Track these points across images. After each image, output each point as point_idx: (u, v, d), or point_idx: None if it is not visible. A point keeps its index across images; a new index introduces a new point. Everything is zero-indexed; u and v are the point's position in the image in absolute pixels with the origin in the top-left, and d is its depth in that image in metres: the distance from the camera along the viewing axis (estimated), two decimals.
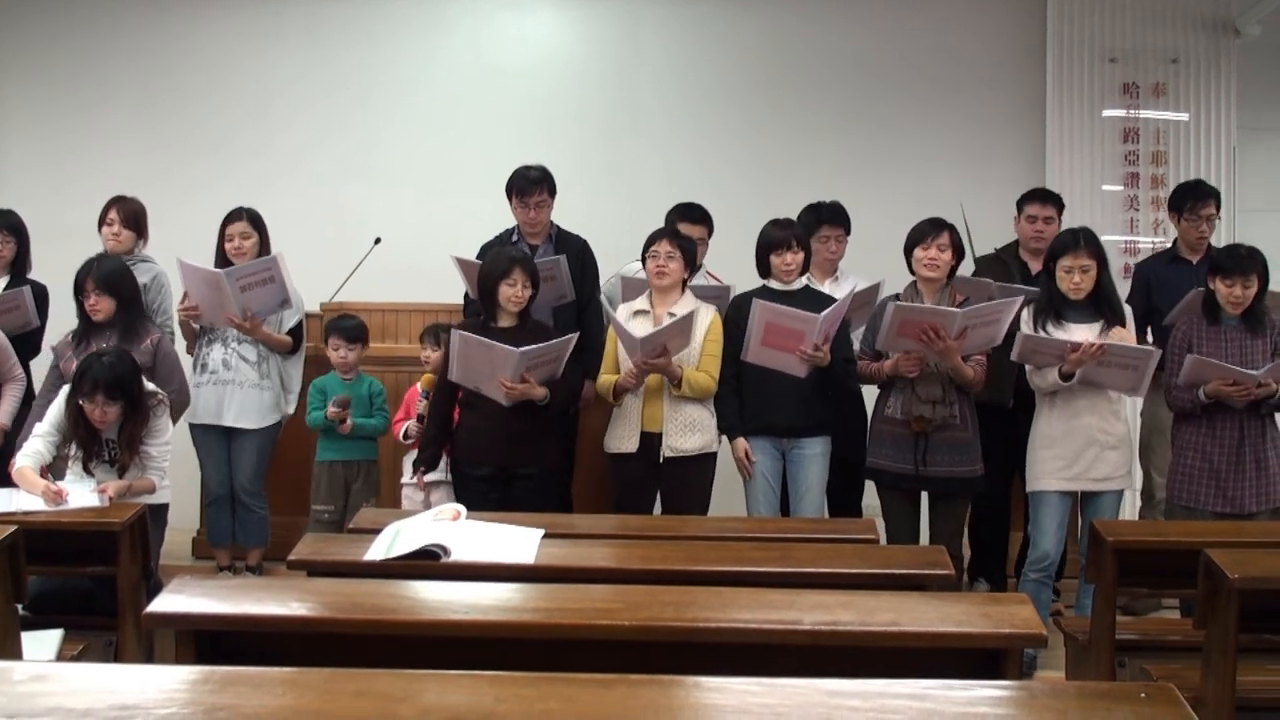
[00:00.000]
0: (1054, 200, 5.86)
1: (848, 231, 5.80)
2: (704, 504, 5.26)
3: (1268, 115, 7.41)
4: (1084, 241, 4.92)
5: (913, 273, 5.03)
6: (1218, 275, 4.85)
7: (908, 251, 5.03)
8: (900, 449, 4.94)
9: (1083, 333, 4.86)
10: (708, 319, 5.11)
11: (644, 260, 5.16)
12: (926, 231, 4.98)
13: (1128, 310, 5.08)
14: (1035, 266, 5.66)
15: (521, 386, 4.77)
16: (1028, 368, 4.97)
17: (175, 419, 5.24)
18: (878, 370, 5.01)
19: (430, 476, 5.22)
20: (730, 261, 5.82)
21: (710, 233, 5.78)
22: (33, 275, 5.78)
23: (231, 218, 5.69)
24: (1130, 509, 6.50)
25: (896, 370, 4.90)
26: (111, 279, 5.10)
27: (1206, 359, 4.75)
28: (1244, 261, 4.82)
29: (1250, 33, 7.19)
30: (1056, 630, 4.39)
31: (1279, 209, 7.43)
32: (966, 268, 5.62)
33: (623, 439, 5.10)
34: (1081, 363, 4.75)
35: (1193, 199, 5.66)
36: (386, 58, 7.57)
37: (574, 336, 4.91)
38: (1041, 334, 4.85)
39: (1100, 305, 4.91)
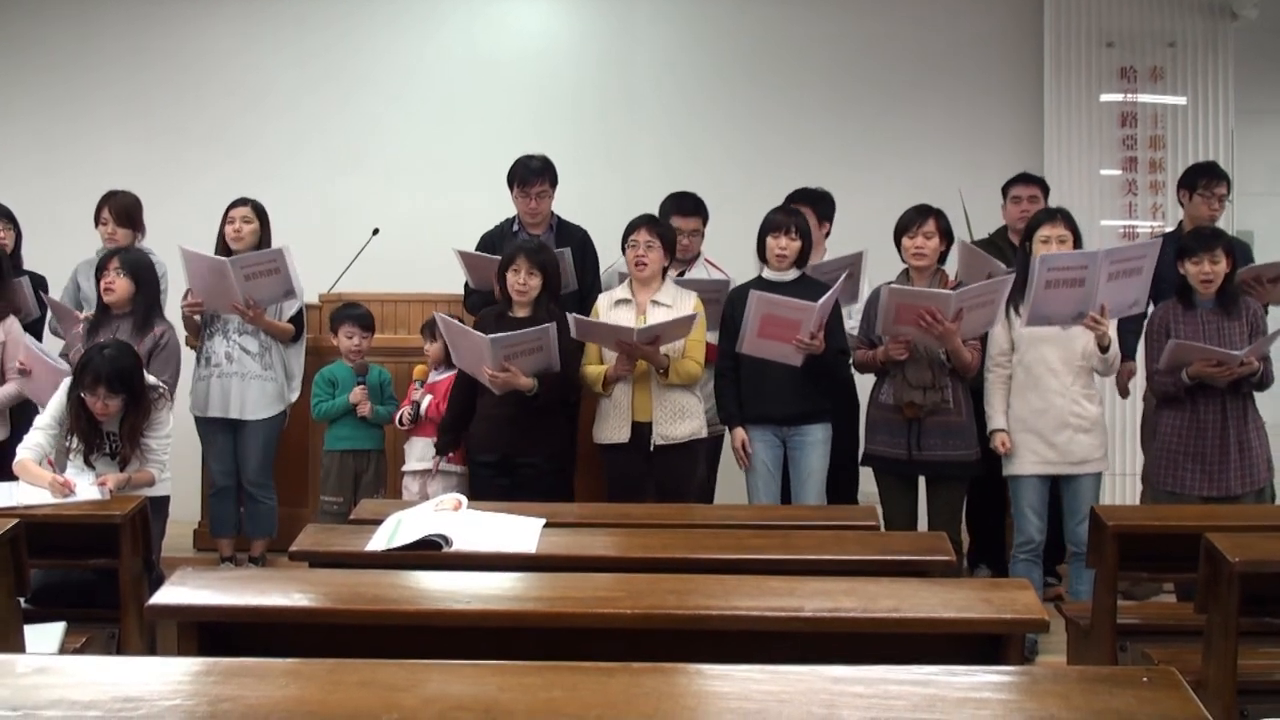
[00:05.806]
0: (1038, 182, 5.87)
1: (828, 219, 5.77)
2: (697, 491, 5.25)
3: (1265, 98, 7.39)
4: (1060, 215, 4.95)
5: (904, 261, 5.04)
6: (1185, 258, 4.87)
7: (897, 240, 5.04)
8: (894, 434, 4.96)
9: None
10: (690, 306, 5.10)
11: (623, 249, 5.16)
12: (913, 219, 4.99)
13: None
14: None
15: (503, 375, 4.74)
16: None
17: None
18: (873, 358, 5.01)
19: (430, 465, 5.25)
20: (725, 248, 5.80)
21: (705, 223, 5.73)
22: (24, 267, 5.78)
23: (236, 203, 5.71)
24: (1114, 493, 6.54)
25: (888, 356, 4.90)
26: (134, 264, 5.21)
27: (1188, 342, 4.76)
28: (1207, 238, 4.86)
29: (1247, 15, 7.18)
30: (1057, 615, 4.40)
31: (1278, 193, 7.42)
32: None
33: (614, 430, 5.10)
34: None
35: (1207, 176, 5.69)
36: (380, 48, 7.57)
37: (551, 326, 4.80)
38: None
39: None
